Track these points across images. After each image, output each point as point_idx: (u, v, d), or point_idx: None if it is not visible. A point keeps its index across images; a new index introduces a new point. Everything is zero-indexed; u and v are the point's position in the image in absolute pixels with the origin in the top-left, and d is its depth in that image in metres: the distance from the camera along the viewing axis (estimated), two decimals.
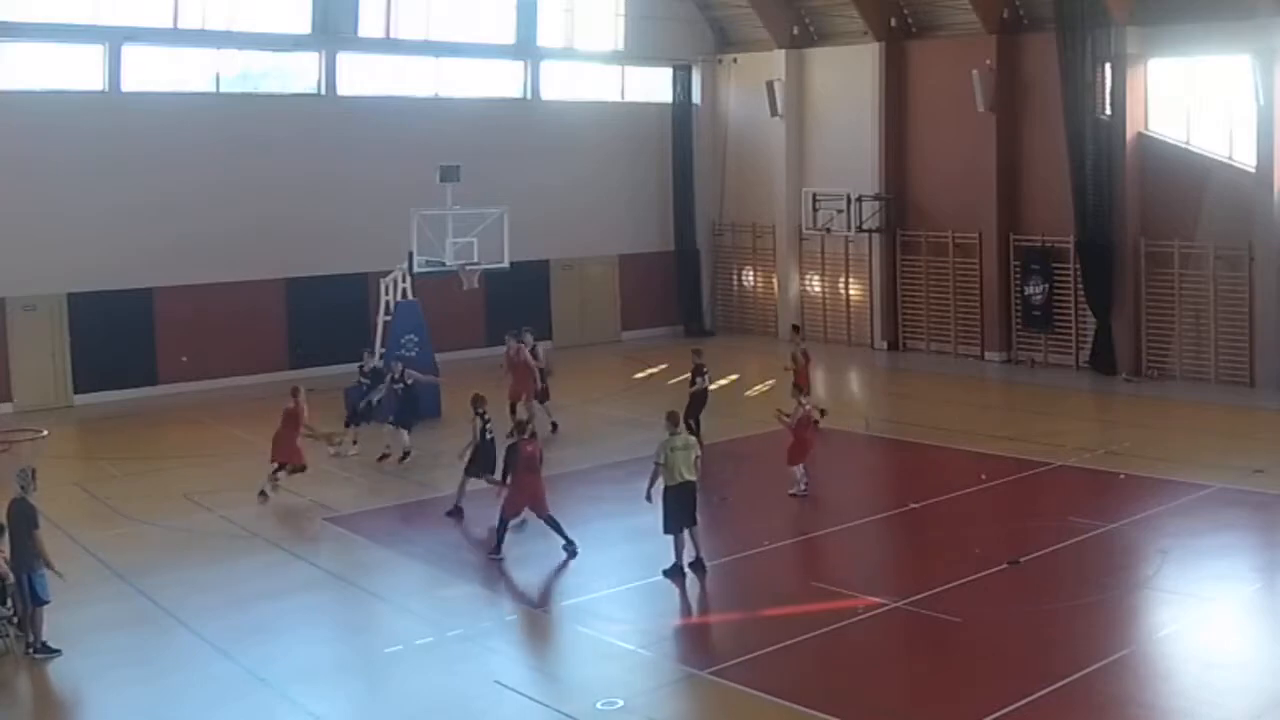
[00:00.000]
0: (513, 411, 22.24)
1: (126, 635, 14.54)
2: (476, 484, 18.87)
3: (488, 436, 18.80)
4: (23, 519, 13.74)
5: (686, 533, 16.00)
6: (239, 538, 17.95)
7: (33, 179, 26.48)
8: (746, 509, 19.17)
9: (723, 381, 29.18)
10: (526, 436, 17.29)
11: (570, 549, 16.86)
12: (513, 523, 17.00)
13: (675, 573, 15.89)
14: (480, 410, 18.93)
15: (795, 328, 28.32)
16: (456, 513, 18.89)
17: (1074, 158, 28.57)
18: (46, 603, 13.70)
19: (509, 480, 17.34)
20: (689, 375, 22.84)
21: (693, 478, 15.99)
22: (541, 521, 17.01)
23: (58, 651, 13.64)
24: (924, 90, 32.33)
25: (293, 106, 30.23)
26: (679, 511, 15.92)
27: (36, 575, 13.64)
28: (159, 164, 27.82)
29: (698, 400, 22.38)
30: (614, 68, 35.93)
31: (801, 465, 19.46)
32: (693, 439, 16.33)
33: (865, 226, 32.72)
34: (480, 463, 18.88)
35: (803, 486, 19.39)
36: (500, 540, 16.83)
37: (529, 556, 16.89)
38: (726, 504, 19.34)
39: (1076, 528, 17.32)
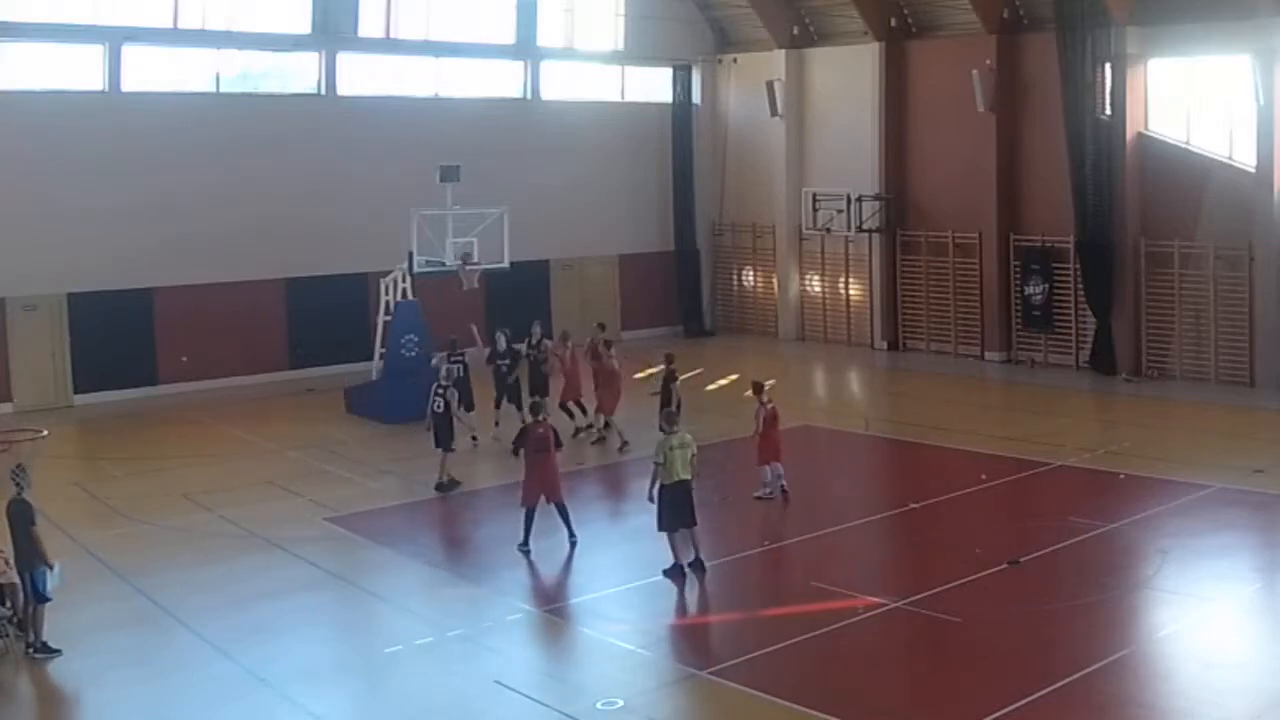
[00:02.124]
0: (570, 411, 23.37)
1: (126, 635, 14.54)
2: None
3: (437, 409, 20.12)
4: (21, 518, 13.75)
5: (686, 532, 16.01)
6: (239, 538, 17.95)
7: (33, 179, 26.49)
8: (747, 509, 19.16)
9: (722, 381, 29.25)
10: (539, 418, 17.39)
11: (572, 540, 17.01)
12: (537, 510, 17.03)
13: (675, 573, 15.87)
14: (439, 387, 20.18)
15: (600, 326, 25.59)
16: (443, 487, 20.07)
17: (1074, 158, 28.57)
18: (48, 600, 13.70)
19: (522, 457, 17.33)
20: (663, 380, 22.10)
21: (689, 477, 16.01)
22: (552, 514, 17.07)
23: (58, 651, 13.64)
24: (924, 90, 32.33)
25: (293, 106, 30.23)
26: (676, 510, 15.91)
27: (38, 573, 13.66)
28: (159, 164, 27.82)
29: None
30: (614, 68, 35.93)
31: (773, 466, 19.25)
32: (689, 438, 16.33)
33: (865, 226, 32.72)
34: (439, 435, 20.07)
35: (778, 487, 19.18)
36: (527, 532, 16.91)
37: (530, 556, 16.91)
38: (727, 504, 19.33)
39: (1076, 528, 17.31)
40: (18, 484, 13.95)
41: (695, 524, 16.02)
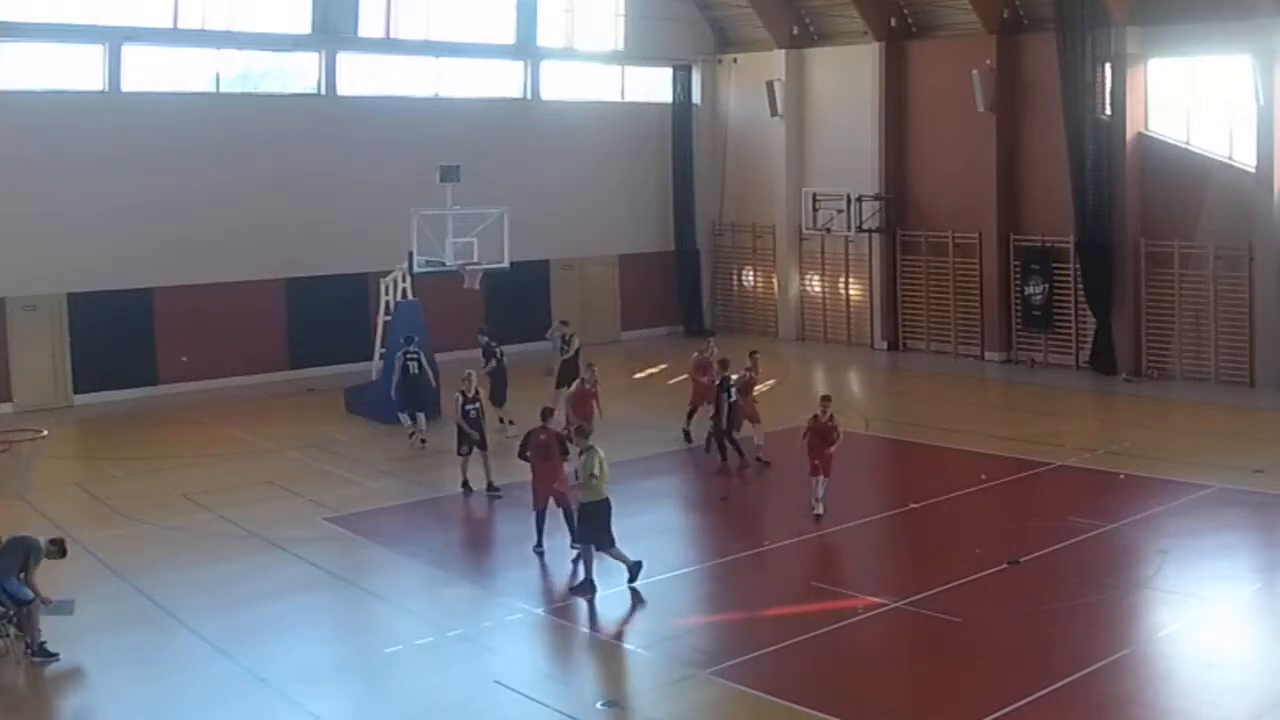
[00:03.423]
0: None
1: (126, 635, 14.54)
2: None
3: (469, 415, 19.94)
4: (19, 549, 13.59)
5: (588, 549, 15.61)
6: (239, 538, 17.95)
7: (33, 179, 26.48)
8: (746, 509, 19.15)
9: None
10: (544, 424, 17.36)
11: (574, 544, 16.90)
12: (548, 512, 16.98)
13: (586, 587, 15.45)
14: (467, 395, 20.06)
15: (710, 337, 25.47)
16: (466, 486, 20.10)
17: (1074, 158, 28.58)
18: (28, 602, 13.58)
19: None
20: (719, 387, 21.78)
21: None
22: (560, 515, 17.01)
23: (55, 656, 13.57)
24: (924, 90, 32.34)
25: (293, 106, 30.22)
26: (603, 526, 15.51)
27: (7, 580, 13.51)
28: (159, 164, 27.81)
29: (735, 414, 21.50)
30: (614, 68, 35.93)
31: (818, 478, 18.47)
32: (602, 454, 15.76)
33: (865, 226, 32.73)
34: (461, 438, 19.96)
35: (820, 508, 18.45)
36: (539, 534, 16.90)
37: (529, 556, 16.92)
38: (727, 504, 19.31)
39: (1076, 528, 17.33)
40: (42, 545, 13.80)
41: (614, 546, 15.57)
